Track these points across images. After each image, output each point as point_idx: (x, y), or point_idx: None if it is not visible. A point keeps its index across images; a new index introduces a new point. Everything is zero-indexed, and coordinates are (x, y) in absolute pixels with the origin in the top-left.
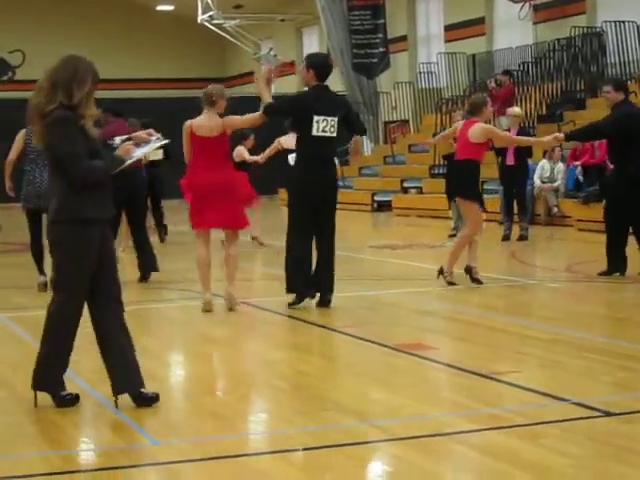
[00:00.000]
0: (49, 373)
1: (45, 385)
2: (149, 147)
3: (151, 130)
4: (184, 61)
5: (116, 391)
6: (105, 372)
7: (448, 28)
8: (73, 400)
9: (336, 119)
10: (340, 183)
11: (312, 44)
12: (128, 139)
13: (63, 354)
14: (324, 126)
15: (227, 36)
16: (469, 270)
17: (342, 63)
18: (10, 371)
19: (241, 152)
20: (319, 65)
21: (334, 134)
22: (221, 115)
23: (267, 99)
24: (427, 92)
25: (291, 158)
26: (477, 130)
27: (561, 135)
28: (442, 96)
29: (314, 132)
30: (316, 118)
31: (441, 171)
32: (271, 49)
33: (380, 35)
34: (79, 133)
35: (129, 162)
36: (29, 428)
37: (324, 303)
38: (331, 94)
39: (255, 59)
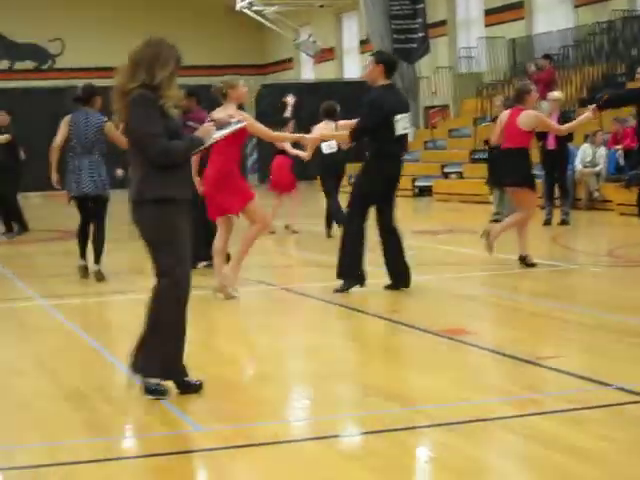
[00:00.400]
0: (169, 360)
1: (172, 373)
2: (228, 130)
3: (232, 113)
4: (223, 48)
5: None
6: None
7: (488, 12)
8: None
9: (408, 115)
10: None
11: (351, 30)
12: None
13: (177, 338)
14: (404, 124)
15: (266, 23)
16: (524, 259)
17: (382, 49)
18: (53, 358)
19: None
20: (389, 61)
21: (410, 129)
22: (241, 106)
23: (343, 135)
24: (467, 77)
25: (325, 146)
26: (529, 118)
27: (593, 106)
28: (482, 81)
29: (398, 131)
30: (397, 117)
31: (482, 156)
32: (310, 35)
33: (420, 20)
34: (159, 113)
35: (209, 143)
36: (73, 415)
37: (398, 287)
38: (398, 91)
39: (294, 46)
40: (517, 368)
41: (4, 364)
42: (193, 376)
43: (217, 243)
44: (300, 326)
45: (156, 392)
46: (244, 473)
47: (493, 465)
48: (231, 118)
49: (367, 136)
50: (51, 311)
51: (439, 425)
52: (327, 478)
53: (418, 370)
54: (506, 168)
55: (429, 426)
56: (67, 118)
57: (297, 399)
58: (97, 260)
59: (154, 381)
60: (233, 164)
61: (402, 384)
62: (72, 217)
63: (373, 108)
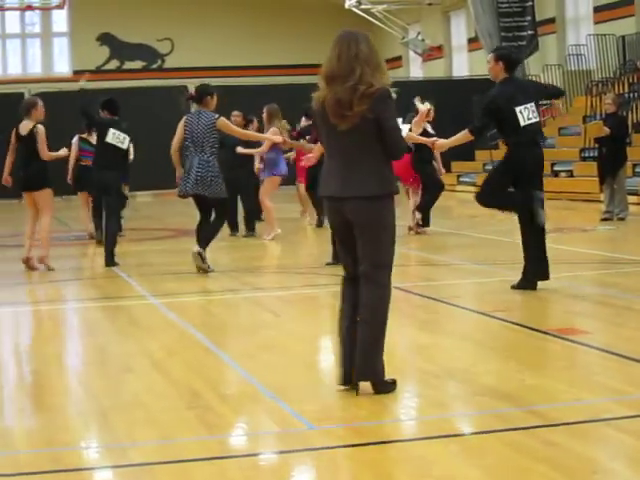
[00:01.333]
0: (380, 359)
1: (369, 373)
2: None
3: None
4: None
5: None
6: (259, 359)
7: (597, 9)
8: (393, 385)
9: (533, 103)
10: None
11: (460, 28)
12: None
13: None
14: (527, 114)
15: (375, 21)
16: None
17: (490, 47)
18: (165, 356)
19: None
20: (509, 57)
21: (538, 117)
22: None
23: (460, 135)
24: (576, 74)
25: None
26: None
27: None
28: (592, 78)
29: (523, 122)
30: (518, 109)
31: (592, 154)
32: (419, 34)
33: (528, 18)
34: None
35: None
36: (186, 413)
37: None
38: (519, 82)
39: (403, 44)
40: (630, 368)
41: (117, 362)
42: None
43: None
44: (410, 325)
45: (392, 386)
46: (358, 472)
47: (606, 466)
48: None
49: (484, 133)
50: (162, 309)
51: (551, 425)
52: (439, 477)
53: (528, 369)
54: None
55: (541, 426)
56: (183, 119)
57: (408, 397)
58: (201, 244)
59: (387, 379)
60: None
61: (512, 383)
62: (181, 215)
63: (485, 106)
